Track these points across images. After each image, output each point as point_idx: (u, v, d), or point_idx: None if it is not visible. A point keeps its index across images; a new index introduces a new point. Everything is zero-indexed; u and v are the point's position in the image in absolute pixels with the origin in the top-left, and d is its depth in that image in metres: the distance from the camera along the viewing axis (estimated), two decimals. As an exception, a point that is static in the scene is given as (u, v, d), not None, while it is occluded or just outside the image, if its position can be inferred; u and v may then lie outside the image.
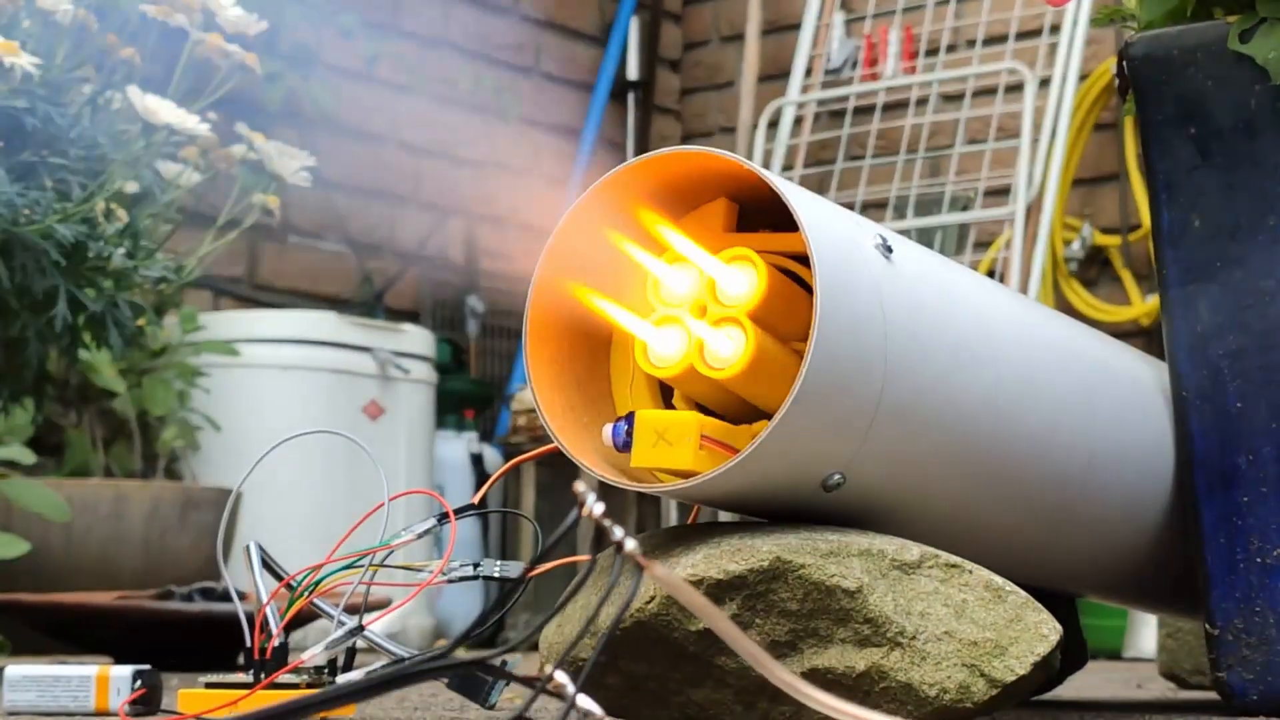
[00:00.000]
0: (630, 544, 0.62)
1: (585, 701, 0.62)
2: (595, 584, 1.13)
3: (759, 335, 1.06)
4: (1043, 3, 3.66)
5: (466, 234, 3.96)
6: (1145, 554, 1.43)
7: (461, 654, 0.77)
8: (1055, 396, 1.28)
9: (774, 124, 3.91)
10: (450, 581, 1.13)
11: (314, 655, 1.12)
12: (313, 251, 3.74)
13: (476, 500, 1.17)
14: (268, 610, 1.13)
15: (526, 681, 0.63)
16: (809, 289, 1.06)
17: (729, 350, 1.07)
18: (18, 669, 1.30)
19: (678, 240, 1.08)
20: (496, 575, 1.14)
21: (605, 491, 1.10)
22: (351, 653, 1.14)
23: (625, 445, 1.08)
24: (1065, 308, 3.74)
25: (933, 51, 3.91)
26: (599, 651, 0.96)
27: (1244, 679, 1.31)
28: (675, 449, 1.06)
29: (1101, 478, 1.34)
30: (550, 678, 0.62)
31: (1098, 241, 3.83)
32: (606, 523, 0.62)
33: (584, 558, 1.14)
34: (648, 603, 1.05)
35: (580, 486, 0.63)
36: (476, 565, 1.14)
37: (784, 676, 0.63)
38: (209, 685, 1.14)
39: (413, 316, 3.81)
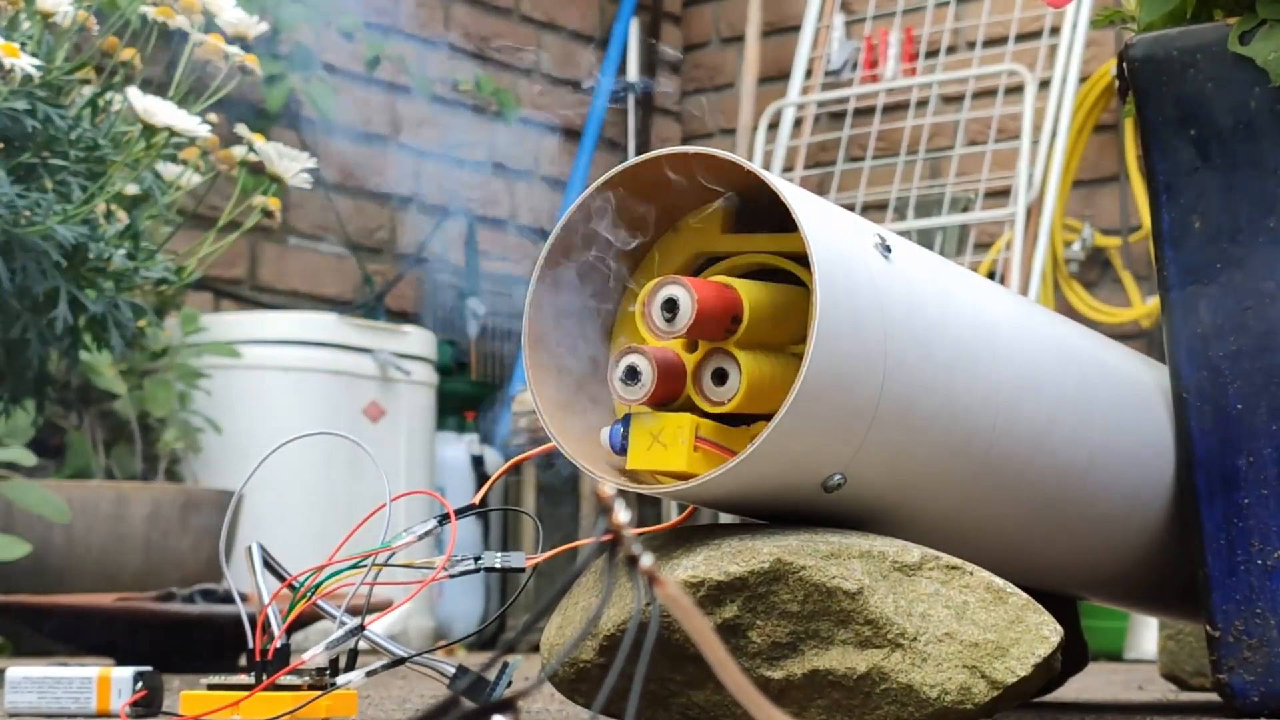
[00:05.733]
0: (647, 559, 0.62)
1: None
2: (596, 586, 1.13)
3: (750, 362, 1.06)
4: (1043, 4, 3.66)
5: (466, 235, 3.96)
6: (1146, 556, 1.44)
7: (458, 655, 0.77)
8: (1055, 397, 1.28)
9: (774, 125, 3.92)
10: (453, 576, 1.13)
11: (315, 656, 1.12)
12: (313, 253, 3.74)
13: (477, 500, 1.17)
14: (269, 611, 1.13)
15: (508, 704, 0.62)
16: (808, 288, 1.06)
17: (723, 382, 1.07)
18: (19, 670, 1.30)
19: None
20: (498, 566, 1.14)
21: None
22: (353, 653, 1.14)
23: (622, 448, 1.08)
24: (1066, 309, 3.74)
25: (933, 53, 3.91)
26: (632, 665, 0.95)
27: (1245, 680, 1.31)
28: (670, 450, 1.06)
29: (1101, 479, 1.34)
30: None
31: (1098, 243, 3.83)
32: (627, 534, 0.62)
33: (585, 542, 1.14)
34: (648, 604, 1.05)
35: (609, 491, 0.62)
36: (477, 559, 1.14)
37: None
38: (211, 687, 1.14)
39: (413, 318, 3.81)
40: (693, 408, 1.08)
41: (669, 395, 1.07)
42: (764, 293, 1.08)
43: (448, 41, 3.99)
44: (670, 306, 1.05)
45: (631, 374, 1.06)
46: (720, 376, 1.07)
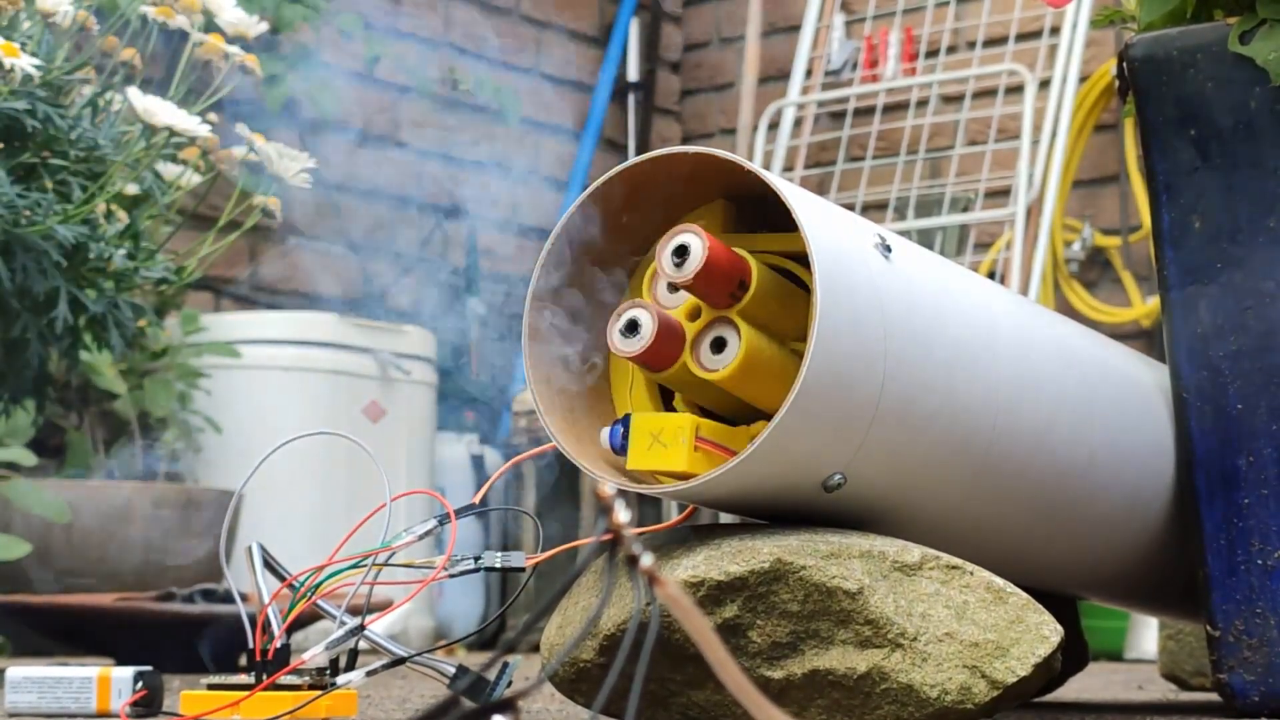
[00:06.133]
0: (647, 559, 0.62)
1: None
2: (596, 586, 1.13)
3: (751, 334, 1.06)
4: (1042, 4, 3.66)
5: (467, 235, 3.96)
6: (1146, 556, 1.44)
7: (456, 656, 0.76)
8: (1055, 396, 1.28)
9: (774, 125, 3.92)
10: (453, 576, 1.13)
11: (315, 656, 1.12)
12: (313, 253, 3.74)
13: (477, 500, 1.17)
14: (269, 611, 1.13)
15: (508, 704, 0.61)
16: (808, 289, 1.06)
17: (720, 350, 1.07)
18: (19, 670, 1.30)
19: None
20: (498, 566, 1.14)
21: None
22: (353, 653, 1.14)
23: (622, 448, 1.08)
24: (1066, 309, 3.74)
25: (933, 53, 3.91)
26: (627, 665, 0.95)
27: (1245, 680, 1.31)
28: (670, 450, 1.06)
29: (1101, 478, 1.34)
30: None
31: (1098, 243, 3.83)
32: (627, 533, 0.62)
33: (583, 542, 1.14)
34: (648, 604, 1.05)
35: (609, 491, 0.62)
36: (477, 559, 1.14)
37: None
38: (211, 687, 1.14)
39: (413, 318, 3.81)
40: (687, 381, 1.08)
41: (666, 356, 1.07)
42: (771, 275, 1.08)
43: (448, 41, 3.98)
44: (681, 252, 1.05)
45: (632, 326, 1.06)
46: (719, 345, 1.07)
